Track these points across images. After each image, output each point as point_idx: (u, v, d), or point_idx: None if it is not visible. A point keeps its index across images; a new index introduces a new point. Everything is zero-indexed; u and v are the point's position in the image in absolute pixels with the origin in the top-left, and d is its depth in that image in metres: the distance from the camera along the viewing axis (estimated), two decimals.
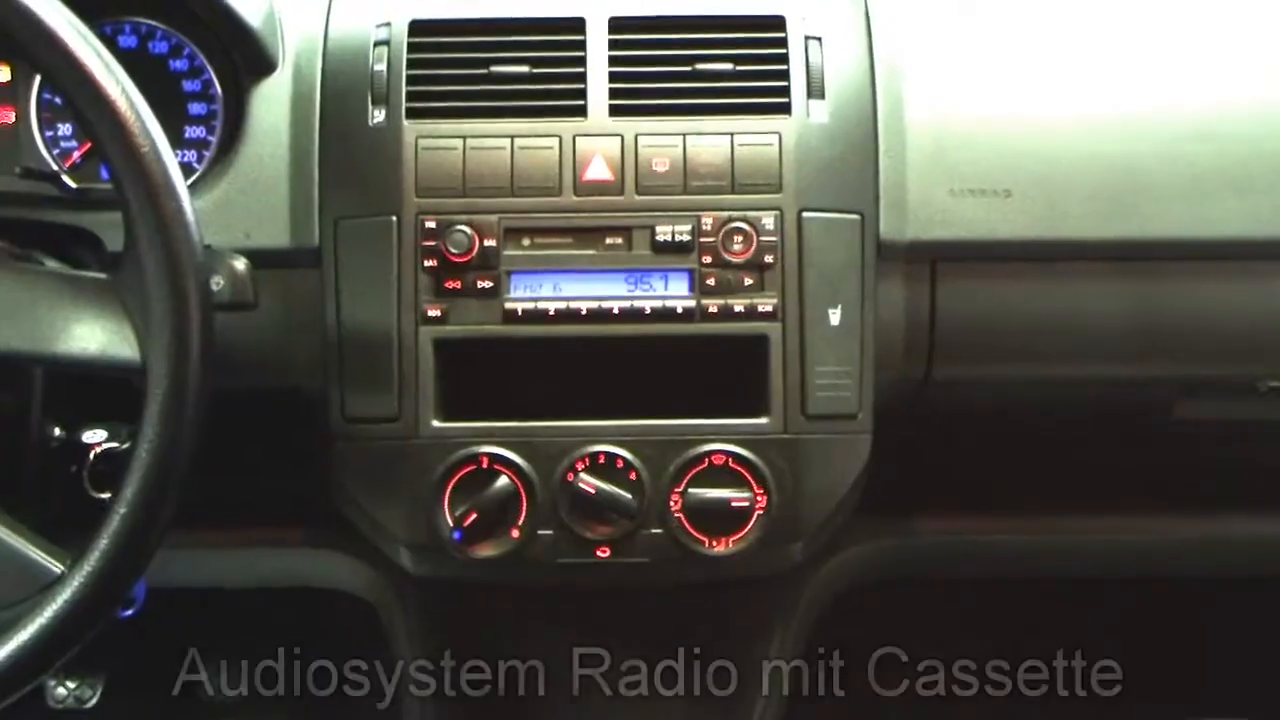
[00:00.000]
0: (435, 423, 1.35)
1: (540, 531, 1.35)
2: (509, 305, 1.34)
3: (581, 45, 1.37)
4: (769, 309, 1.34)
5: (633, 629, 1.53)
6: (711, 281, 1.34)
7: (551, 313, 1.34)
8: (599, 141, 1.35)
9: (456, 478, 1.34)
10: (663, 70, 1.37)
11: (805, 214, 1.34)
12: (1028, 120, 1.39)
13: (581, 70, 1.37)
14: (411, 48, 1.37)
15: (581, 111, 1.36)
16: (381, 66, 1.37)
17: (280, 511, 1.59)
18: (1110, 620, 1.90)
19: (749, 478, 1.35)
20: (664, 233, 1.34)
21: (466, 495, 1.34)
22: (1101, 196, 1.36)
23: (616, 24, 1.37)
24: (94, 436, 1.30)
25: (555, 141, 1.35)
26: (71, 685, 1.98)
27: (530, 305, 1.34)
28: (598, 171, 1.35)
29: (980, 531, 1.65)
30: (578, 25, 1.37)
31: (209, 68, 1.42)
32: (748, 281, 1.34)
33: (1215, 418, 1.50)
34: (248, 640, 1.88)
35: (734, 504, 1.34)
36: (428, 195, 1.34)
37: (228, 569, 1.69)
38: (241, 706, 1.93)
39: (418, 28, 1.37)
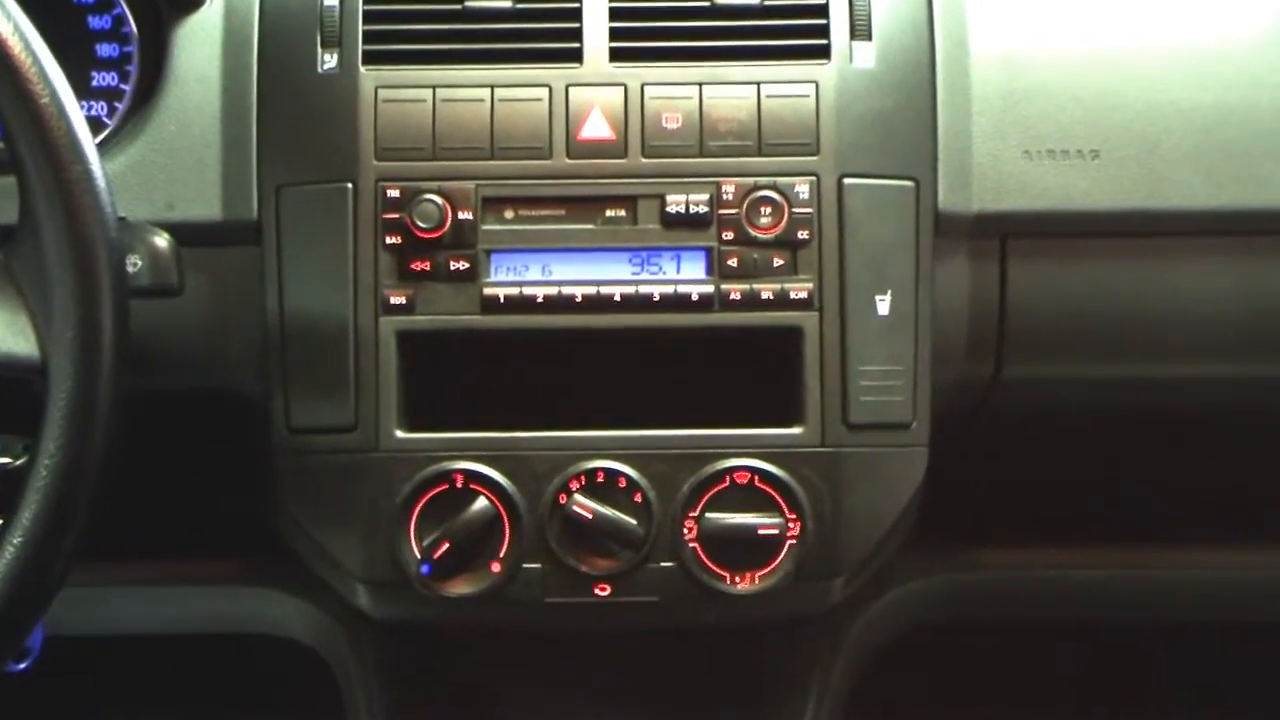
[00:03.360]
0: (399, 433, 1.34)
1: (526, 565, 1.35)
2: (488, 291, 1.33)
3: None
4: (803, 295, 1.33)
5: (638, 685, 1.53)
6: (733, 262, 1.33)
7: (540, 300, 1.33)
8: (597, 92, 1.34)
9: (425, 500, 1.34)
10: (674, 5, 1.36)
11: (847, 180, 1.34)
12: (1118, 63, 1.39)
13: (576, 6, 1.36)
14: None
15: (576, 56, 1.35)
16: (333, 1, 1.36)
17: (210, 541, 1.58)
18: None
19: (779, 500, 1.34)
20: (676, 203, 1.33)
21: (437, 521, 1.33)
22: (1209, 157, 1.37)
23: None
24: None
25: (544, 92, 1.34)
26: None
27: (514, 291, 1.34)
28: (596, 129, 1.34)
29: (1059, 565, 1.65)
30: None
31: (121, 0, 1.42)
32: (777, 262, 1.33)
33: None
34: (166, 699, 1.88)
35: (760, 532, 1.34)
36: (390, 158, 1.33)
37: (143, 612, 1.68)
38: None
39: None
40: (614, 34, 1.35)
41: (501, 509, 1.33)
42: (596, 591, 1.35)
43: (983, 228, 1.37)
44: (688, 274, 1.34)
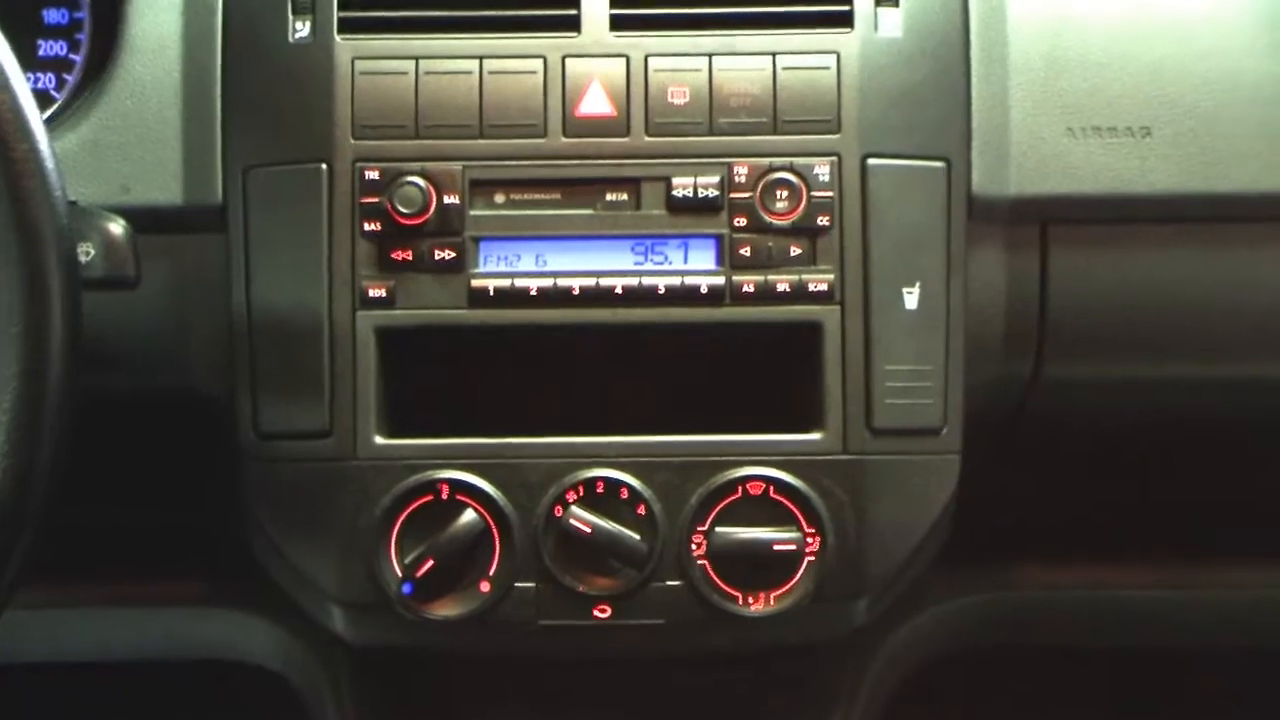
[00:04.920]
0: (378, 439, 1.34)
1: (518, 584, 1.34)
2: (476, 283, 1.33)
3: None
4: (823, 288, 1.33)
5: (640, 717, 1.52)
6: (746, 251, 1.33)
7: (533, 292, 1.33)
8: (596, 64, 1.34)
9: (407, 513, 1.34)
10: None
11: (871, 160, 1.33)
12: (1172, 30, 1.39)
13: None
14: None
15: (573, 24, 1.35)
16: None
17: (171, 559, 1.58)
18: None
19: (796, 513, 1.34)
20: (683, 186, 1.33)
21: (420, 536, 1.33)
22: (1273, 134, 1.36)
23: None
24: None
25: (538, 64, 1.34)
26: None
27: (505, 283, 1.33)
28: (595, 104, 1.34)
29: (1104, 585, 1.65)
30: None
31: None
32: (795, 251, 1.33)
33: None
34: None
35: (776, 548, 1.33)
36: (368, 136, 1.33)
37: (97, 637, 1.67)
38: None
39: None
40: None
41: (491, 523, 1.33)
42: (596, 613, 1.34)
43: (1021, 213, 1.36)
44: (696, 264, 1.33)
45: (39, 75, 1.40)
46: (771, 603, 1.34)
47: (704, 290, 1.33)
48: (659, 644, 1.38)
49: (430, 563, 1.32)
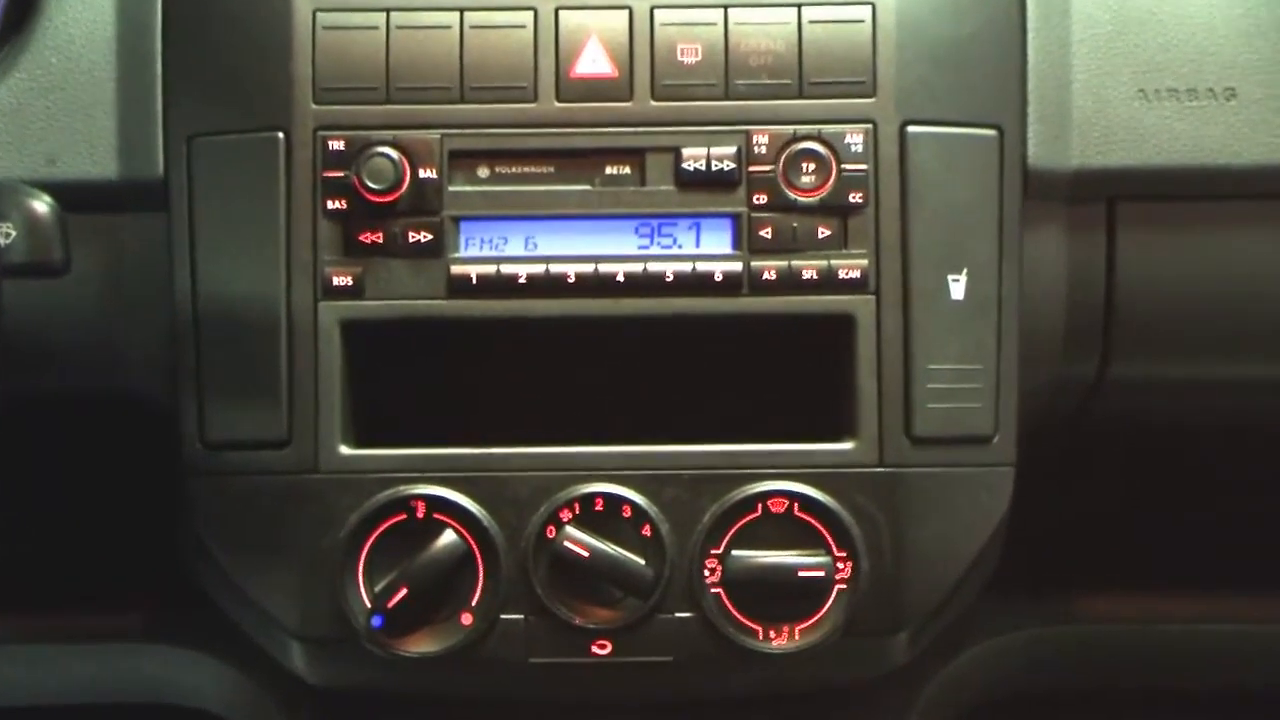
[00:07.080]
0: (344, 449, 1.34)
1: (505, 616, 1.34)
2: (456, 269, 1.32)
3: None
4: (855, 275, 1.32)
5: None
6: (767, 233, 1.32)
7: (522, 280, 1.32)
8: (595, 17, 1.33)
9: (377, 533, 1.33)
10: None
11: (911, 129, 1.33)
12: None
13: None
14: None
15: None
16: None
17: (107, 588, 1.58)
18: None
19: (825, 534, 1.33)
20: (694, 158, 1.32)
21: (393, 560, 1.32)
22: None
23: None
24: None
25: (528, 17, 1.33)
26: None
27: (489, 269, 1.32)
28: (593, 63, 1.33)
29: (1175, 618, 1.65)
30: None
31: None
32: (823, 232, 1.32)
33: None
34: None
35: (802, 574, 1.33)
36: (332, 100, 1.32)
37: (20, 677, 1.67)
38: None
39: None
40: None
41: (474, 545, 1.32)
42: (594, 649, 1.34)
43: (1085, 188, 1.36)
44: (709, 248, 1.32)
45: None
46: (796, 637, 1.33)
47: (718, 278, 1.32)
48: (666, 684, 1.38)
49: (404, 591, 1.31)
